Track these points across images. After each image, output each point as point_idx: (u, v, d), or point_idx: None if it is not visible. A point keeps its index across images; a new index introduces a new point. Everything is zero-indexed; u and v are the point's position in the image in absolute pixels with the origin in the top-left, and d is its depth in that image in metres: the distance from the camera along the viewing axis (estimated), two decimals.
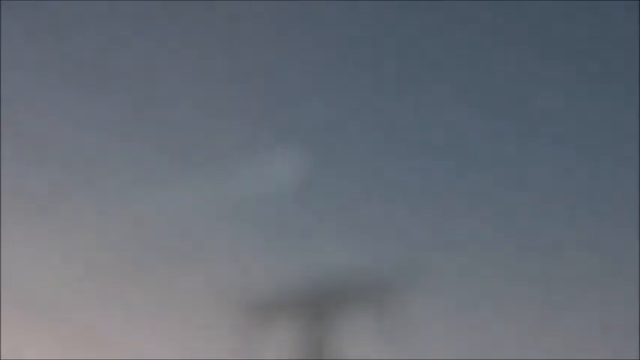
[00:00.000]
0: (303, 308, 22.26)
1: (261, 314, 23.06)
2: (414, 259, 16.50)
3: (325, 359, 20.99)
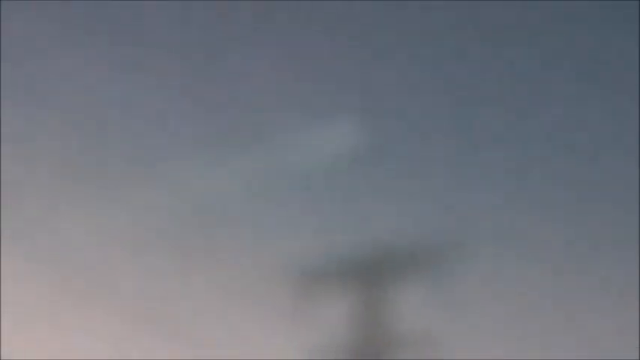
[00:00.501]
0: (356, 279, 21.79)
1: (314, 286, 22.50)
2: (468, 228, 16.23)
3: (379, 329, 20.58)
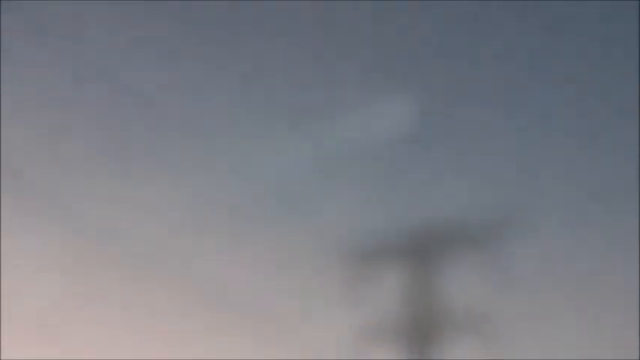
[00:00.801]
0: (409, 256, 22.18)
1: (369, 264, 22.94)
2: (518, 207, 16.31)
3: (431, 307, 20.95)
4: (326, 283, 24.69)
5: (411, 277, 25.16)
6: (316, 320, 28.82)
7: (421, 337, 23.98)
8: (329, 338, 26.38)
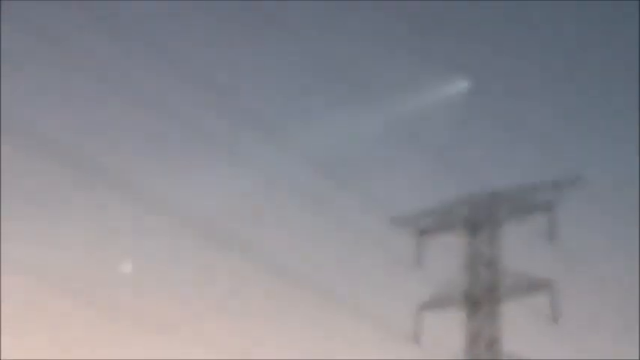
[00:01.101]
0: (463, 227, 23.44)
1: (428, 236, 24.36)
2: (577, 176, 17.33)
3: (491, 277, 22.17)
4: (390, 255, 25.33)
5: (472, 245, 25.70)
6: (382, 291, 29.43)
7: (482, 303, 24.60)
8: (396, 307, 27.05)
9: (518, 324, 24.93)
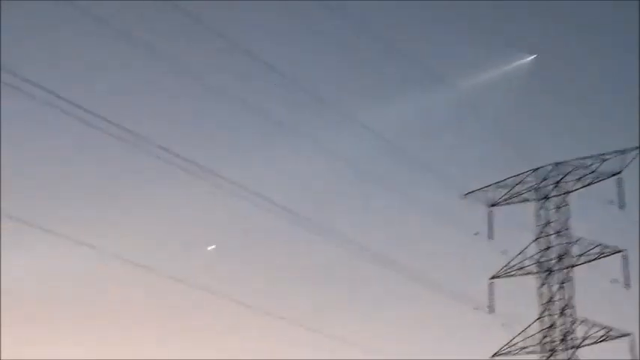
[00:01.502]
0: (533, 197, 24.83)
1: (494, 206, 25.88)
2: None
3: (564, 246, 23.60)
4: (464, 228, 26.29)
5: (542, 214, 26.46)
6: (457, 264, 30.48)
7: (554, 270, 25.39)
8: (471, 278, 28.04)
9: (590, 289, 25.59)
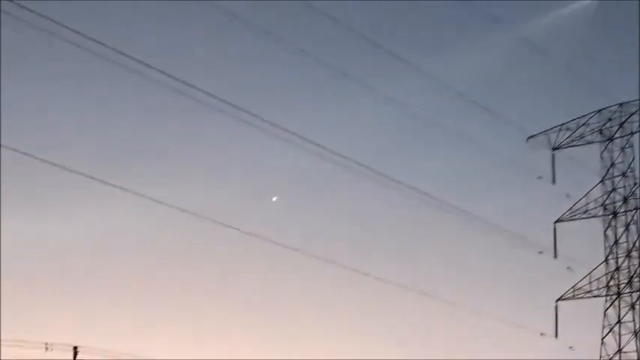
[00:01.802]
0: (597, 139, 24.51)
1: (558, 149, 25.81)
2: None
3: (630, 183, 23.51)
4: (528, 171, 26.04)
5: (607, 156, 26.00)
6: (521, 207, 30.16)
7: (619, 212, 25.06)
8: (535, 222, 27.77)
9: None
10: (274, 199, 29.82)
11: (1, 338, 14.67)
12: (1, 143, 13.32)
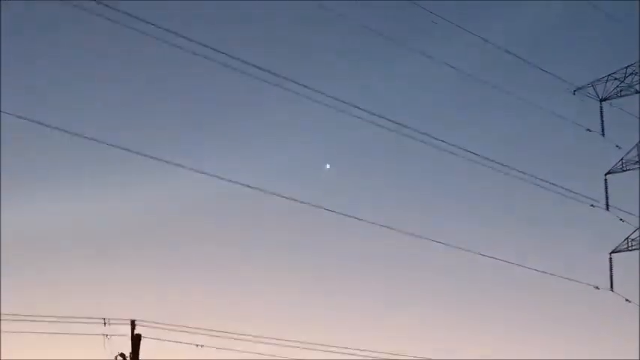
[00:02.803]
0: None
1: (605, 100, 25.79)
2: None
3: None
4: (575, 123, 25.79)
5: None
6: (568, 160, 29.97)
7: None
8: (582, 174, 27.57)
9: None
10: (327, 166, 29.83)
11: (60, 315, 15.02)
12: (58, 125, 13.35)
